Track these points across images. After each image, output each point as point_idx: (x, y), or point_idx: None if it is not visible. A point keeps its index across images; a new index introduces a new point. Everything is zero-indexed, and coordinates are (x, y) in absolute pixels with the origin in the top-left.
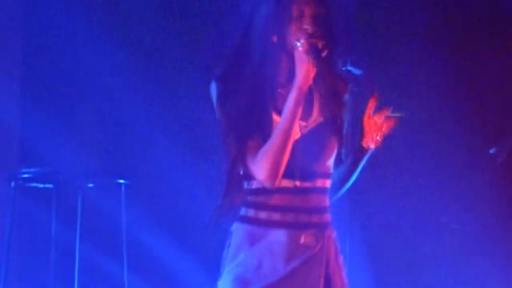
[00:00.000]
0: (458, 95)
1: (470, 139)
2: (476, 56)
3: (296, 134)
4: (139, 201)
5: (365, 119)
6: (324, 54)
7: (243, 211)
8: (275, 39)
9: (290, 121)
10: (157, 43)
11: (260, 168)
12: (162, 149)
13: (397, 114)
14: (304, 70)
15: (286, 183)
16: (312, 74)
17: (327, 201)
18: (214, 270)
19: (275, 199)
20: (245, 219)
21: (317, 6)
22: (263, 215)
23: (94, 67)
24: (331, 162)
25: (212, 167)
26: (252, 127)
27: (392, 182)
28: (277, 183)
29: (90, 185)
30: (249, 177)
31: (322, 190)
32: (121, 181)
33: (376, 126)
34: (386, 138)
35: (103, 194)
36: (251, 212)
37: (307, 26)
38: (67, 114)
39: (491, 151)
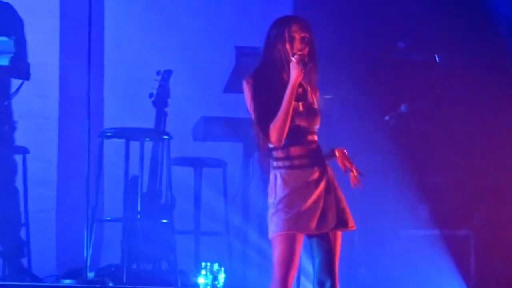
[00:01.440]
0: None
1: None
2: None
3: (300, 108)
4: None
5: (339, 159)
6: (308, 63)
7: (280, 163)
8: (279, 54)
9: (287, 105)
10: None
11: (271, 135)
12: None
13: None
14: (295, 74)
15: (303, 139)
16: (300, 77)
17: (319, 148)
18: None
19: (299, 150)
20: (282, 168)
21: (303, 31)
22: (292, 162)
23: None
24: (318, 125)
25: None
26: (269, 111)
27: None
28: (281, 143)
29: (147, 139)
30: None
31: (317, 141)
32: (165, 137)
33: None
34: None
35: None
36: (283, 163)
37: (297, 46)
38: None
39: (386, 118)
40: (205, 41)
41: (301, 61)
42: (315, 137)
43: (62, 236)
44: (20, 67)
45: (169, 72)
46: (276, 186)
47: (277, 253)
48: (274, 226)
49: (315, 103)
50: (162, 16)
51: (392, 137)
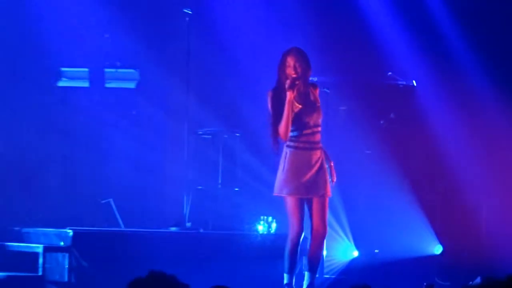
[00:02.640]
0: None
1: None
2: None
3: (305, 110)
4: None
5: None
6: (298, 85)
7: (290, 144)
8: (282, 76)
9: (286, 114)
10: None
11: (279, 133)
12: None
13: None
14: (288, 93)
15: (306, 131)
16: (292, 95)
17: (319, 138)
18: None
19: (303, 138)
20: (291, 147)
21: (297, 61)
22: (298, 144)
23: None
24: (320, 120)
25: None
26: (278, 117)
27: None
28: (287, 137)
29: (237, 134)
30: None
31: (318, 132)
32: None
33: None
34: None
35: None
36: (292, 144)
37: (290, 72)
38: None
39: (381, 122)
40: None
41: (291, 84)
42: (319, 128)
43: (172, 199)
44: (142, 90)
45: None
46: (285, 160)
47: (287, 208)
48: (279, 188)
49: (317, 101)
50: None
51: (384, 133)
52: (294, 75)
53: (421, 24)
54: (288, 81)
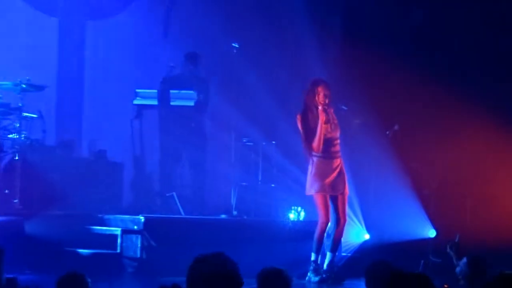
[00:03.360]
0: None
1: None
2: None
3: (329, 128)
4: None
5: None
6: (328, 109)
7: (316, 154)
8: (312, 102)
9: (320, 132)
10: None
11: (313, 148)
12: None
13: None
14: (322, 117)
15: (329, 143)
16: (324, 118)
17: (339, 148)
18: None
19: (326, 149)
20: (317, 156)
21: (326, 90)
22: (322, 154)
23: None
24: (338, 134)
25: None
26: (309, 134)
27: None
28: (320, 150)
29: (273, 142)
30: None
31: (338, 144)
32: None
33: None
34: None
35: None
36: (318, 154)
37: (321, 99)
38: None
39: (387, 132)
40: None
41: (324, 110)
42: (338, 141)
43: (222, 193)
44: (199, 107)
45: None
46: (313, 166)
47: (316, 203)
48: (309, 187)
49: (335, 119)
50: None
51: (389, 143)
52: (324, 102)
53: None
54: (321, 108)
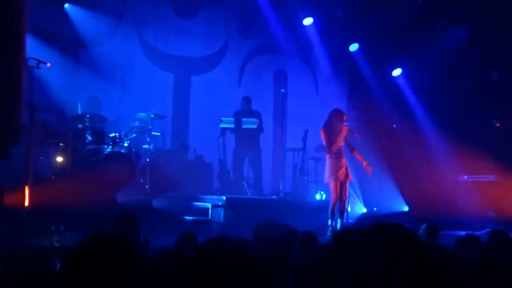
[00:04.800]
0: None
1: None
2: None
3: (340, 139)
4: None
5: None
6: (347, 130)
7: (332, 152)
8: (338, 121)
9: (340, 140)
10: None
11: (332, 151)
12: None
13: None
14: (344, 131)
15: (340, 148)
16: (346, 133)
17: (343, 150)
18: None
19: (338, 150)
20: (332, 156)
21: (345, 116)
22: (335, 155)
23: None
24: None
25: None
26: (331, 142)
27: None
28: (335, 152)
29: (306, 150)
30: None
31: (343, 147)
32: (305, 149)
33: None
34: None
35: (304, 152)
36: (333, 155)
37: (341, 120)
38: None
39: (378, 144)
40: None
41: (345, 127)
42: (343, 146)
43: (273, 182)
44: (258, 129)
45: None
46: (329, 162)
47: (331, 188)
48: (327, 177)
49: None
50: None
51: (379, 149)
52: (344, 123)
53: None
54: (344, 126)
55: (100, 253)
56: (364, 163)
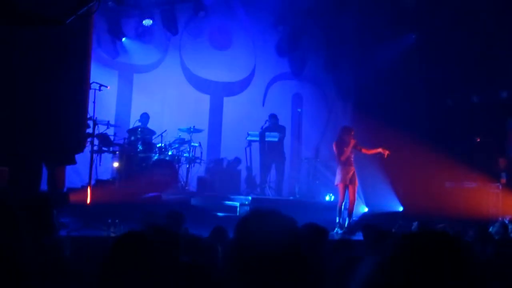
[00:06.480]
0: None
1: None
2: None
3: (349, 149)
4: None
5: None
6: (354, 142)
7: (342, 161)
8: (347, 136)
9: (348, 151)
10: None
11: (342, 160)
12: None
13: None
14: (352, 144)
15: (349, 157)
16: (352, 145)
17: (353, 159)
18: None
19: (347, 159)
20: (342, 164)
21: (353, 131)
22: (345, 163)
23: None
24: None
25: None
26: (340, 152)
27: None
28: (344, 160)
29: (318, 159)
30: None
31: (352, 158)
32: (318, 159)
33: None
34: None
35: (318, 161)
36: (343, 162)
37: (352, 134)
38: None
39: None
40: None
41: (354, 141)
42: (352, 156)
43: (290, 186)
44: (280, 141)
45: None
46: (339, 169)
47: (339, 190)
48: (337, 180)
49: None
50: None
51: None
52: (352, 137)
53: None
54: (352, 140)
55: (156, 240)
56: (380, 150)
